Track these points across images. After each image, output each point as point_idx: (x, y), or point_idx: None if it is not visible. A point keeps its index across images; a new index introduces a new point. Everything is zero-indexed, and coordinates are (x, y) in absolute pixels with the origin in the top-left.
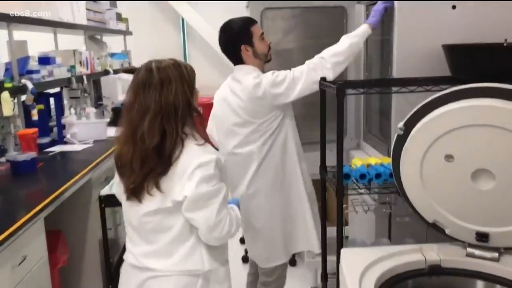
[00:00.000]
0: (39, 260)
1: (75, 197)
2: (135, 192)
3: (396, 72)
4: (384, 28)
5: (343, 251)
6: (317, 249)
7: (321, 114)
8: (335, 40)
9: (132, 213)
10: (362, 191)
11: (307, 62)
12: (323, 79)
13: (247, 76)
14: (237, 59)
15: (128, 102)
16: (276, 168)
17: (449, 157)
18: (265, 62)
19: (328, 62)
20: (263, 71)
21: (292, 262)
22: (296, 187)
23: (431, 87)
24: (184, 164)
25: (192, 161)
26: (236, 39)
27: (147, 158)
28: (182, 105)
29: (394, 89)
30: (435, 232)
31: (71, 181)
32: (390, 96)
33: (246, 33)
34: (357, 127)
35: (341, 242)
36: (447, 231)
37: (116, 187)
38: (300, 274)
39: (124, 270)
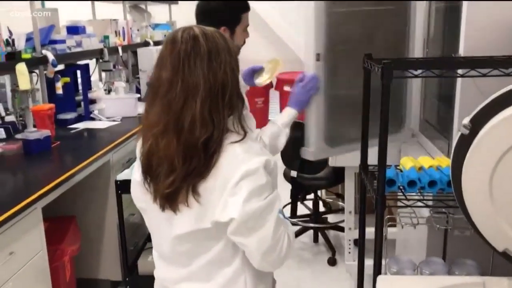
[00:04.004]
0: (34, 255)
1: (92, 180)
2: (170, 199)
3: (464, 49)
4: None
5: (380, 279)
6: None
7: (364, 97)
8: None
9: (161, 233)
10: (409, 203)
11: None
12: (368, 55)
13: None
14: None
15: (164, 80)
16: None
17: None
18: None
19: None
20: None
21: (332, 261)
22: None
23: None
24: (226, 173)
25: (235, 169)
26: (220, 17)
27: (192, 154)
28: (231, 84)
29: (461, 71)
30: None
31: (80, 166)
32: (455, 80)
33: (234, 16)
34: (411, 113)
35: (379, 268)
36: None
37: (136, 199)
38: (338, 274)
39: None
